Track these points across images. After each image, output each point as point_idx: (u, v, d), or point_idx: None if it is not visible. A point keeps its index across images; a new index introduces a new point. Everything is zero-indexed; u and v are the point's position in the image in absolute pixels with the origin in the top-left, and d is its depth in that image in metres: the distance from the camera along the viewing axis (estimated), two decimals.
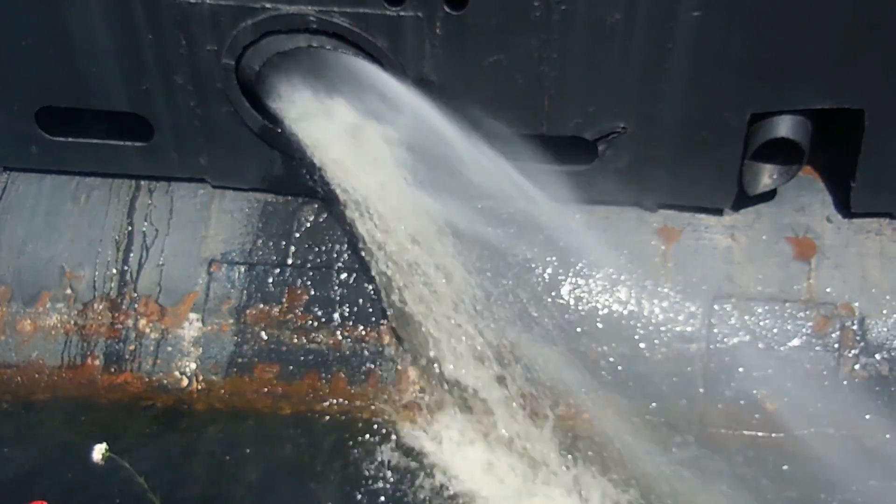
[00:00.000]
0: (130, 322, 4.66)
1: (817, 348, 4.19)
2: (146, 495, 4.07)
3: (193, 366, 4.61)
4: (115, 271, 4.72)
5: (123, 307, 4.68)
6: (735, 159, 4.12)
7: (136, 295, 4.69)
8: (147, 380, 4.61)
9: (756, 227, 4.35)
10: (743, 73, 3.85)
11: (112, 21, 4.15)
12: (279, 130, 4.36)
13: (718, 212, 4.39)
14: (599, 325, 4.33)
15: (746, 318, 4.25)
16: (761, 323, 4.24)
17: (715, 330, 4.26)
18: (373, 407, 4.51)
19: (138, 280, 4.71)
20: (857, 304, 4.19)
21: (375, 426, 4.48)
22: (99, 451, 3.79)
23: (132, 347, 4.64)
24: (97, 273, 4.72)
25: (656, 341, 4.27)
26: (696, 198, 4.36)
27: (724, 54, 3.82)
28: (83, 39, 4.23)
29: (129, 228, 4.78)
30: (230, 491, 4.36)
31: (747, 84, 3.89)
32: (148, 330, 4.65)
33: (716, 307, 4.27)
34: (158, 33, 4.17)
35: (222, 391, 4.59)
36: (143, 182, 4.86)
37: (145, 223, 4.79)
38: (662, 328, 4.29)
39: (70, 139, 4.68)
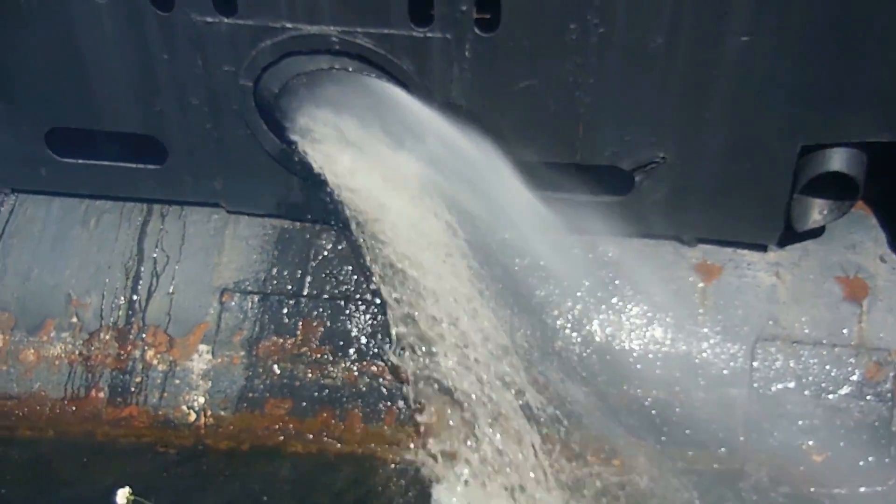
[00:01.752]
0: (137, 353, 4.45)
1: (868, 397, 3.92)
2: None
3: (202, 400, 4.39)
4: (123, 299, 4.52)
5: (131, 337, 4.47)
6: (782, 193, 3.88)
7: (144, 324, 4.48)
8: (153, 414, 4.39)
9: (803, 266, 4.10)
10: (794, 101, 3.62)
11: (125, 40, 3.98)
12: (298, 155, 4.16)
13: (762, 248, 4.14)
14: (633, 366, 4.07)
15: (792, 362, 3.99)
16: (808, 368, 3.98)
17: (757, 374, 4.00)
18: (390, 447, 4.27)
19: (147, 309, 4.50)
20: None
21: (392, 467, 4.25)
22: (123, 496, 3.62)
23: (139, 379, 4.43)
24: (104, 301, 4.51)
25: (694, 385, 4.02)
26: (738, 232, 4.12)
27: (773, 82, 3.59)
28: (95, 59, 4.07)
29: (140, 255, 4.58)
30: None
31: (798, 114, 3.65)
32: (155, 361, 4.44)
33: (759, 350, 4.02)
34: (173, 53, 4.00)
35: (231, 427, 4.36)
36: (155, 206, 4.67)
37: (156, 249, 4.59)
38: (701, 371, 4.04)
39: (80, 161, 4.50)
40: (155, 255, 4.57)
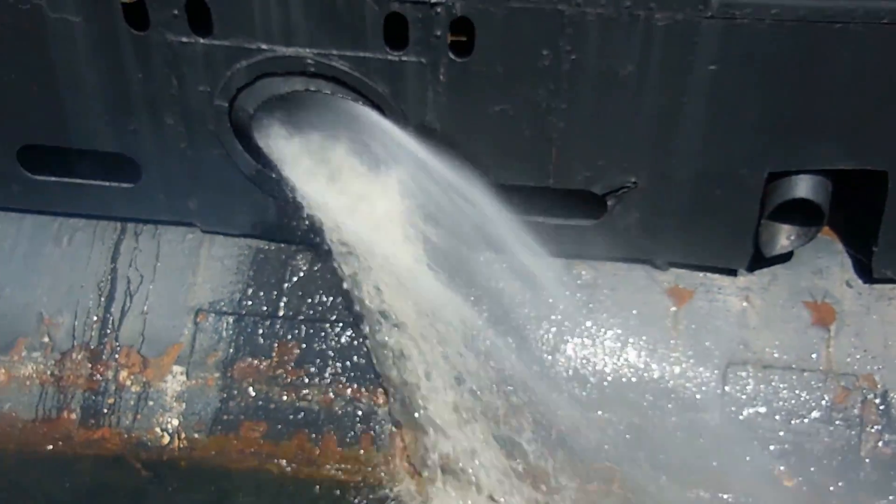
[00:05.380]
0: (110, 374, 4.42)
1: (837, 422, 3.95)
2: None
3: (176, 422, 4.36)
4: (96, 319, 4.49)
5: (104, 357, 4.44)
6: (751, 218, 3.93)
7: (117, 345, 4.45)
8: (126, 436, 4.36)
9: (772, 290, 4.14)
10: (761, 129, 3.67)
11: (99, 59, 3.97)
12: (273, 176, 4.16)
13: (732, 272, 4.18)
14: (607, 391, 4.09)
15: (762, 386, 4.02)
16: (778, 393, 4.01)
17: (728, 398, 4.02)
18: (365, 471, 4.25)
19: (120, 329, 4.47)
20: (879, 377, 3.96)
21: (367, 491, 4.24)
22: None
23: (111, 401, 4.40)
24: (77, 320, 4.48)
25: (667, 409, 4.04)
26: (709, 257, 4.16)
27: (741, 110, 3.64)
28: (69, 77, 4.05)
29: (113, 273, 4.55)
30: None
31: (766, 141, 3.70)
32: (129, 382, 4.40)
33: (730, 374, 4.04)
34: (148, 72, 3.99)
35: (206, 450, 4.33)
36: (129, 225, 4.64)
37: (130, 268, 4.56)
38: (673, 395, 4.06)
39: (53, 179, 4.47)
40: (129, 274, 4.54)
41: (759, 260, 4.08)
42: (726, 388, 4.03)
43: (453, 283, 4.17)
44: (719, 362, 4.07)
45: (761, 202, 3.87)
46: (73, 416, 4.39)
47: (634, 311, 4.18)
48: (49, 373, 4.43)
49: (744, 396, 4.02)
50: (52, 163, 4.45)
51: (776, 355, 4.05)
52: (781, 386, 4.01)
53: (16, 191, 4.51)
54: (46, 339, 4.47)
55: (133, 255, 4.58)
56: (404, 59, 3.76)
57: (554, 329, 4.19)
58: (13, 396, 4.41)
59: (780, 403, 4.00)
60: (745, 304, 4.13)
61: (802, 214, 3.86)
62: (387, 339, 4.09)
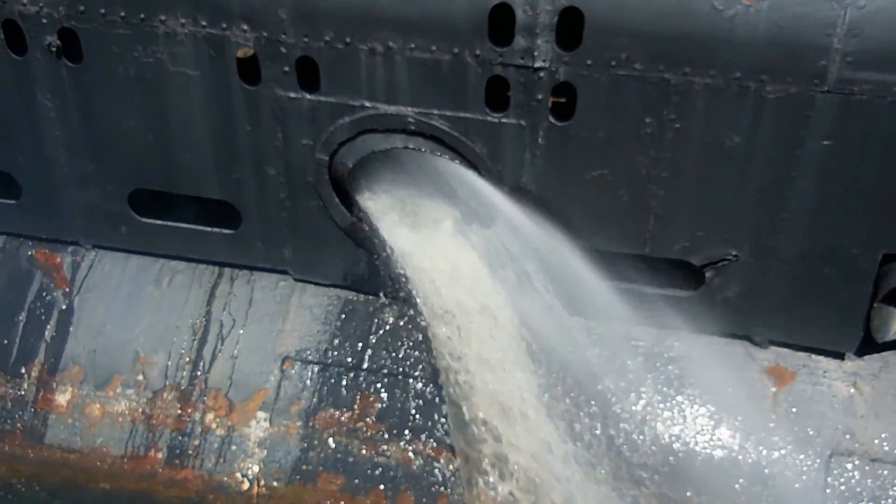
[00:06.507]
0: (198, 416, 4.49)
1: None
2: None
3: (256, 469, 4.38)
4: (188, 360, 4.59)
5: (192, 399, 4.53)
6: (862, 301, 3.72)
7: (206, 387, 4.54)
8: (208, 478, 4.41)
9: (883, 378, 3.89)
10: (877, 209, 3.49)
11: (212, 110, 4.14)
12: (367, 229, 4.21)
13: (839, 356, 3.95)
14: (697, 471, 3.89)
15: (869, 481, 3.75)
16: (887, 490, 3.73)
17: (831, 491, 3.76)
18: None
19: (210, 371, 4.56)
20: None
21: None
22: None
23: (196, 442, 4.46)
24: (170, 361, 4.59)
25: (762, 497, 3.81)
26: (814, 338, 3.95)
27: (856, 187, 3.47)
28: (182, 126, 4.23)
29: (207, 317, 4.66)
30: None
31: (881, 221, 3.52)
32: (214, 425, 4.47)
33: (833, 465, 3.79)
34: (256, 125, 4.13)
35: (283, 499, 4.33)
36: (225, 269, 4.77)
37: (223, 312, 4.67)
38: (769, 483, 3.83)
39: (159, 222, 4.65)
40: (222, 318, 4.65)
41: (870, 344, 3.85)
42: (829, 480, 3.78)
43: (539, 349, 4.10)
44: (822, 451, 3.83)
45: (874, 284, 3.66)
46: (160, 455, 4.48)
47: (730, 390, 3.99)
48: (141, 411, 4.54)
49: (848, 491, 3.76)
50: (159, 207, 4.64)
51: (886, 448, 3.78)
52: (891, 482, 3.73)
53: (124, 231, 4.71)
54: (140, 378, 4.60)
55: (227, 300, 4.69)
56: (504, 120, 3.78)
57: (643, 401, 4.04)
58: (105, 432, 4.54)
59: (889, 501, 3.72)
60: (852, 390, 3.89)
61: None
62: (467, 401, 4.02)
